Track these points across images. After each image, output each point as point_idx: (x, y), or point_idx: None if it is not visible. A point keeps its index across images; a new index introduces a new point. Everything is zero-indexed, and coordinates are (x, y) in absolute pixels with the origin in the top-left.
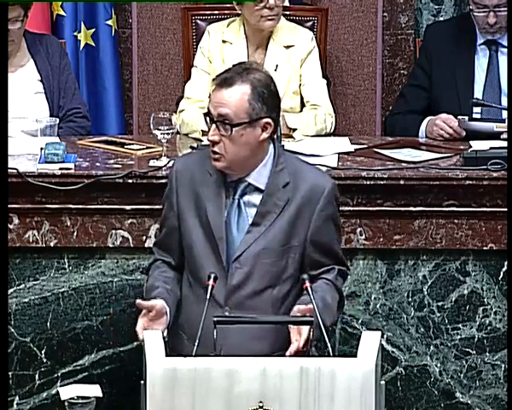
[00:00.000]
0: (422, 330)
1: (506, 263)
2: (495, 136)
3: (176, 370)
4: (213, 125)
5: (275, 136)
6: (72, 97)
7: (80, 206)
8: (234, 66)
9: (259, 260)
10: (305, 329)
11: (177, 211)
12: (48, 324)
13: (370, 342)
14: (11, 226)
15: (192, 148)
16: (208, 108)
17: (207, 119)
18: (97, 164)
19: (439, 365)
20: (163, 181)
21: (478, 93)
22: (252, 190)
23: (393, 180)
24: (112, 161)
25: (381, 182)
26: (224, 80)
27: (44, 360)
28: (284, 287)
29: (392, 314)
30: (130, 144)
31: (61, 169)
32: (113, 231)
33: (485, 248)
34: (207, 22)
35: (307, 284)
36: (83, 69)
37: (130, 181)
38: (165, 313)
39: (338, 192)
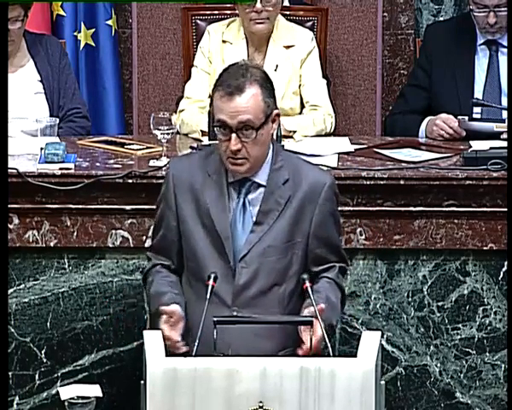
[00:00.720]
0: (422, 330)
1: (506, 263)
2: (495, 136)
3: (176, 370)
4: (234, 135)
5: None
6: (72, 97)
7: (80, 206)
8: (226, 70)
9: (265, 259)
10: (318, 328)
11: (175, 210)
12: (48, 324)
13: (370, 342)
14: (11, 226)
15: (192, 148)
16: (221, 120)
17: (222, 130)
18: (97, 164)
19: (439, 365)
20: (163, 181)
21: (478, 93)
22: (255, 186)
23: (393, 180)
24: (112, 161)
25: (381, 182)
26: (234, 88)
27: (44, 360)
28: (290, 285)
29: (392, 314)
30: (130, 144)
31: (61, 169)
32: (113, 231)
33: (485, 248)
34: (207, 22)
35: (307, 284)
36: (83, 69)
37: (130, 181)
38: (182, 318)
39: (337, 188)
